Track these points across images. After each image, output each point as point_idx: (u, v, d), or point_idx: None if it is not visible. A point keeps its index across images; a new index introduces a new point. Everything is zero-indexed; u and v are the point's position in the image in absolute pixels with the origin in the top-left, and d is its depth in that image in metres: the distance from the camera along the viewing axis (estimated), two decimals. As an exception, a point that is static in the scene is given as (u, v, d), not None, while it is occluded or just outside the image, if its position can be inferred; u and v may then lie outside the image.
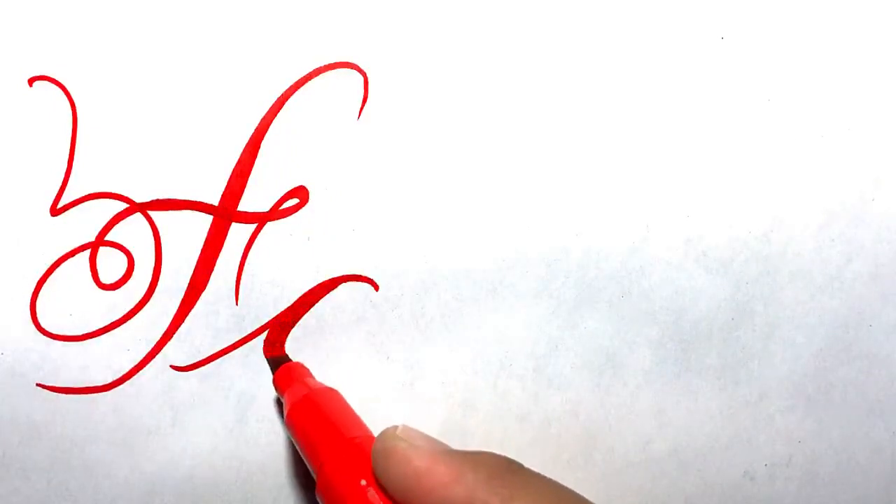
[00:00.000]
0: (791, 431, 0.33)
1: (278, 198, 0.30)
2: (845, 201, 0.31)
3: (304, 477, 0.31)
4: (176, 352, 0.30)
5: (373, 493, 0.21)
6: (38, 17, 0.28)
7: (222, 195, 0.29)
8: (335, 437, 0.25)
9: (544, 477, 0.21)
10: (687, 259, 0.31)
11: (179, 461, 0.30)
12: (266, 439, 0.30)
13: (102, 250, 0.29)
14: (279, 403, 0.30)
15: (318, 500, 0.24)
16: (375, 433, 0.24)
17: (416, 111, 0.30)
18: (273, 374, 0.30)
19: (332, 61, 0.29)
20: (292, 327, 0.30)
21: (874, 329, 0.32)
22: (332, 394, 0.28)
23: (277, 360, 0.30)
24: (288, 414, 0.27)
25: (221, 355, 0.30)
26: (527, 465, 0.31)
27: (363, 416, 0.27)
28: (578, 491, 0.30)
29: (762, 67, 0.30)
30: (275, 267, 0.30)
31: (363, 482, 0.22)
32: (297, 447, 0.27)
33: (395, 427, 0.22)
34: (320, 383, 0.29)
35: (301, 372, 0.29)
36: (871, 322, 0.32)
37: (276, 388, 0.29)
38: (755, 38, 0.30)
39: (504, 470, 0.21)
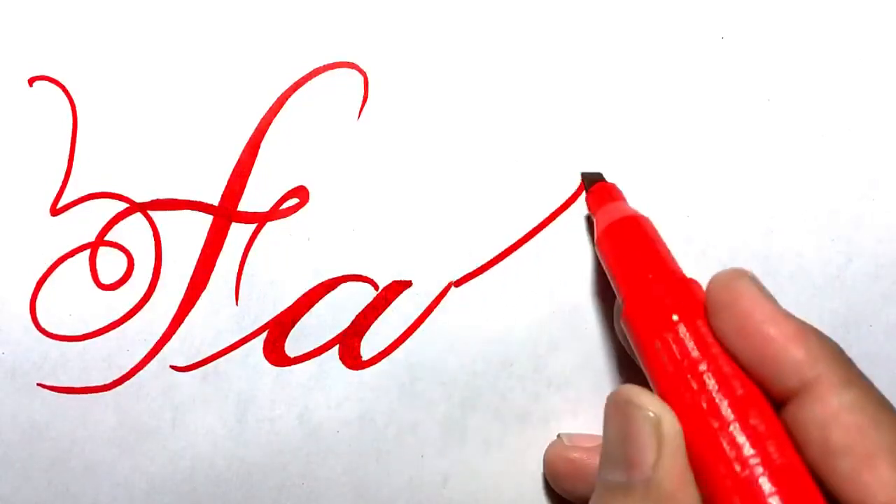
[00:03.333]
0: (791, 431, 0.33)
1: (278, 198, 0.30)
2: (845, 201, 0.31)
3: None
4: (176, 352, 0.30)
5: (683, 330, 0.21)
6: (38, 17, 0.28)
7: (222, 195, 0.29)
8: (648, 267, 0.24)
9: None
10: (687, 259, 0.31)
11: (179, 461, 0.30)
12: (266, 439, 0.30)
13: (102, 250, 0.29)
14: (589, 221, 0.30)
15: (623, 326, 0.23)
16: None
17: (416, 111, 0.30)
18: (586, 191, 0.29)
19: (332, 61, 0.29)
20: (292, 327, 0.30)
21: (874, 329, 0.32)
22: (644, 221, 0.27)
23: (591, 176, 0.29)
24: (599, 237, 0.27)
25: (221, 355, 0.30)
26: (527, 465, 0.31)
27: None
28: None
29: (762, 67, 0.30)
30: (275, 267, 0.30)
31: (675, 317, 0.21)
32: (606, 270, 0.26)
33: (740, 270, 0.22)
34: (633, 209, 0.28)
35: (614, 193, 0.29)
36: (871, 322, 0.32)
37: (588, 207, 0.29)
38: (755, 38, 0.30)
39: (840, 352, 0.20)
